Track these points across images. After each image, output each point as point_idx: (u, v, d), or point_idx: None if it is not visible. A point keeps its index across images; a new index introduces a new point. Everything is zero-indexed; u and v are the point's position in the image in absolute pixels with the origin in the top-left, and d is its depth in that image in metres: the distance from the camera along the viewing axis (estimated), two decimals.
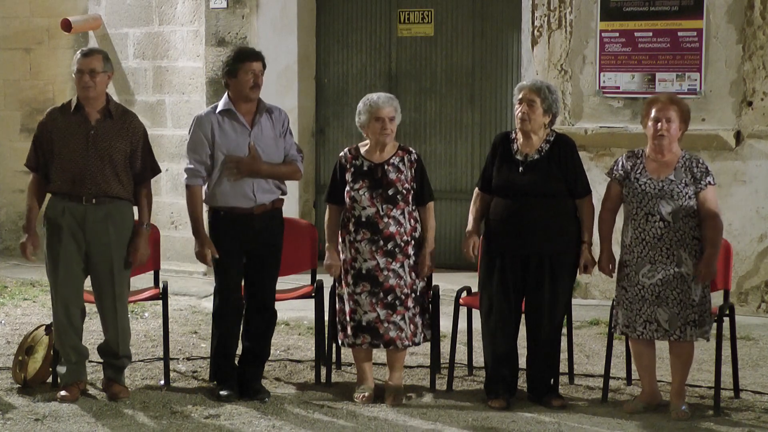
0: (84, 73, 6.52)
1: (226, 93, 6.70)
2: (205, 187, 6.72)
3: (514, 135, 6.61)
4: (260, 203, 6.64)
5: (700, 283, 6.27)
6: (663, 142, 6.30)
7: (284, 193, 6.80)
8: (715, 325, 6.53)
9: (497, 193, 6.54)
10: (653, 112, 6.32)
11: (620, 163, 6.47)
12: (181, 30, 11.06)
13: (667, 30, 9.15)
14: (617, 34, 9.30)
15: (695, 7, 9.03)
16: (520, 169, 6.48)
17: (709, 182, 6.32)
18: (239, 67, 6.60)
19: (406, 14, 10.83)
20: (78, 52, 6.63)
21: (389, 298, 6.58)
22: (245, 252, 6.69)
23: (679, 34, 9.11)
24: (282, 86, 10.86)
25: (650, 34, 9.21)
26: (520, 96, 6.49)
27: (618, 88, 9.32)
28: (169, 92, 11.14)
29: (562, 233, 6.45)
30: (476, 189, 6.71)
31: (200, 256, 6.66)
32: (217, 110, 6.67)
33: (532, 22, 9.56)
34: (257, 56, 6.68)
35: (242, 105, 6.64)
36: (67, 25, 11.12)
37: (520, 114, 6.47)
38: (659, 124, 6.29)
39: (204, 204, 6.73)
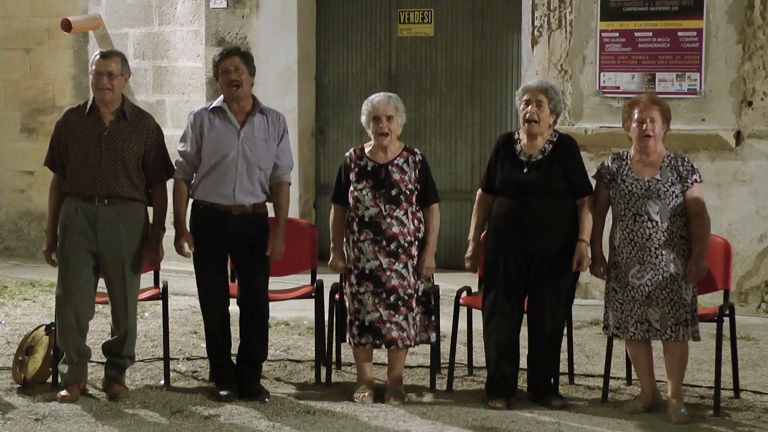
0: (102, 75, 6.51)
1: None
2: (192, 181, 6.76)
3: (517, 136, 6.61)
4: (239, 203, 6.63)
5: (690, 282, 6.27)
6: (648, 142, 6.30)
7: (269, 199, 6.78)
8: (715, 325, 6.54)
9: (501, 192, 6.55)
10: (636, 114, 6.33)
11: (606, 166, 6.48)
12: (181, 30, 11.07)
13: (667, 30, 9.15)
14: (617, 34, 9.30)
15: (695, 7, 9.04)
16: (525, 169, 6.48)
17: (696, 180, 6.32)
18: (219, 69, 6.65)
19: (406, 14, 10.84)
20: (97, 53, 6.63)
21: (392, 298, 6.58)
22: (227, 252, 6.71)
23: (679, 34, 9.11)
24: (282, 86, 10.87)
25: (650, 34, 9.21)
26: (527, 97, 6.48)
27: (618, 88, 9.32)
28: (169, 92, 11.15)
29: (564, 232, 6.46)
30: (479, 191, 6.71)
31: (177, 247, 6.70)
32: (210, 107, 6.70)
33: (532, 22, 9.56)
34: (231, 53, 6.67)
35: (234, 104, 6.65)
36: (67, 25, 11.12)
37: (528, 115, 6.46)
38: (644, 125, 6.30)
39: (189, 197, 6.77)
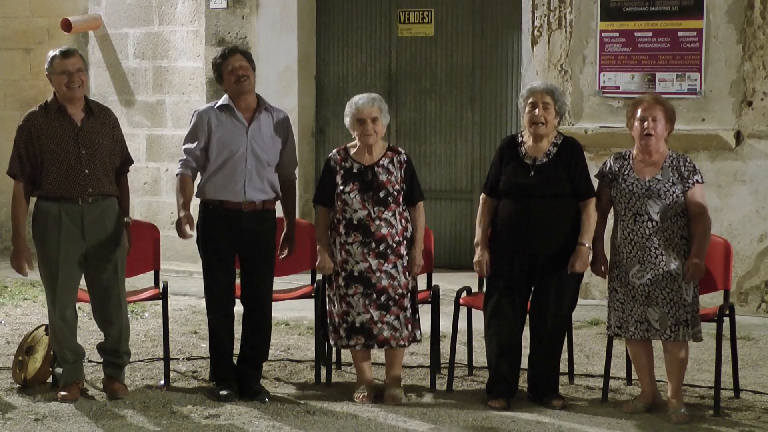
0: (72, 74, 6.48)
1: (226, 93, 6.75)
2: (197, 182, 6.74)
3: (520, 138, 6.59)
4: (249, 200, 6.63)
5: (690, 282, 6.27)
6: (650, 141, 6.30)
7: (278, 197, 6.80)
8: (715, 325, 6.53)
9: (506, 195, 6.51)
10: (639, 112, 6.33)
11: (608, 165, 6.48)
12: (181, 30, 11.07)
13: (667, 30, 9.15)
14: (617, 34, 9.30)
15: (695, 7, 9.04)
16: (531, 173, 6.46)
17: (697, 180, 6.32)
18: (222, 69, 6.67)
19: (406, 14, 10.84)
20: (55, 54, 6.51)
21: (382, 298, 6.58)
22: (236, 250, 6.71)
23: (679, 34, 9.11)
24: (282, 86, 10.86)
25: (650, 34, 9.21)
26: (533, 99, 6.44)
27: (618, 88, 9.32)
28: (169, 92, 11.15)
29: (569, 234, 6.44)
30: (483, 195, 6.67)
31: (178, 230, 6.57)
32: (216, 105, 6.71)
33: (532, 22, 9.56)
34: (232, 51, 6.73)
35: (240, 102, 6.66)
36: (67, 25, 11.13)
37: (535, 118, 6.43)
38: (646, 123, 6.29)
39: (196, 197, 6.75)
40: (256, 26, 10.80)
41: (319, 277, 7.22)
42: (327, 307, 6.72)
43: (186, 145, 6.72)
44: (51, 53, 6.57)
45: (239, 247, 6.70)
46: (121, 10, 11.32)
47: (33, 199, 6.61)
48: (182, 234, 6.60)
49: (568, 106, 9.37)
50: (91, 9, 11.46)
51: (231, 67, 6.62)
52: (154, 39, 11.18)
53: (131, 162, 6.83)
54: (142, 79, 11.27)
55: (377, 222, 6.56)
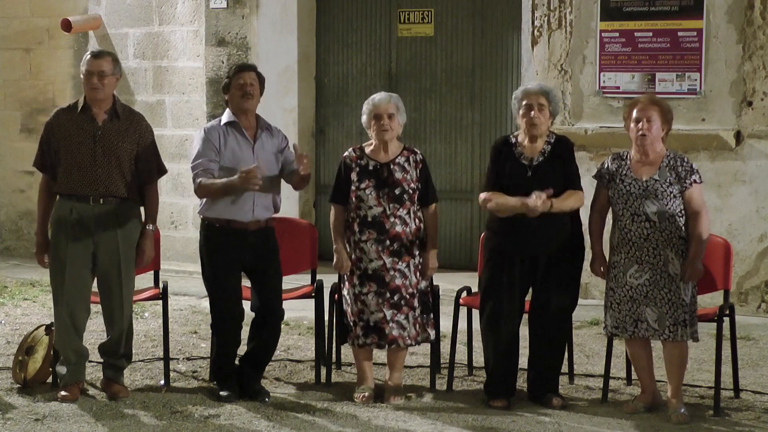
0: (93, 75, 6.52)
1: (228, 107, 6.74)
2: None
3: (514, 139, 6.59)
4: (256, 219, 6.64)
5: (686, 282, 6.27)
6: (645, 141, 6.30)
7: (277, 210, 6.80)
8: (715, 325, 6.54)
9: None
10: (635, 113, 6.34)
11: (606, 166, 6.48)
12: (181, 30, 11.07)
13: (667, 30, 9.15)
14: (617, 34, 9.31)
15: (695, 7, 9.04)
16: (528, 173, 6.46)
17: (694, 180, 6.32)
18: (232, 81, 6.67)
19: (406, 14, 10.84)
20: (88, 53, 6.65)
21: (395, 297, 6.58)
22: (242, 265, 6.70)
23: (679, 34, 9.12)
24: (282, 86, 10.87)
25: (650, 34, 9.22)
26: (528, 101, 6.45)
27: (618, 88, 9.33)
28: (169, 92, 11.15)
29: (568, 233, 6.45)
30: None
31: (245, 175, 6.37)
32: (222, 122, 6.70)
33: (532, 22, 9.56)
34: (249, 68, 6.76)
35: (242, 119, 6.66)
36: (67, 25, 11.13)
37: (531, 119, 6.44)
38: (640, 123, 6.30)
39: (198, 214, 6.77)
40: (256, 26, 10.80)
41: (319, 277, 7.23)
42: (344, 307, 6.72)
43: (202, 159, 6.57)
44: (88, 52, 6.71)
45: (246, 261, 6.68)
46: (121, 10, 11.32)
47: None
48: (250, 178, 6.35)
49: (568, 105, 9.38)
50: (91, 9, 11.46)
51: (242, 81, 6.62)
52: (154, 39, 11.18)
53: (163, 171, 6.81)
54: (142, 79, 11.27)
55: (392, 219, 6.57)
